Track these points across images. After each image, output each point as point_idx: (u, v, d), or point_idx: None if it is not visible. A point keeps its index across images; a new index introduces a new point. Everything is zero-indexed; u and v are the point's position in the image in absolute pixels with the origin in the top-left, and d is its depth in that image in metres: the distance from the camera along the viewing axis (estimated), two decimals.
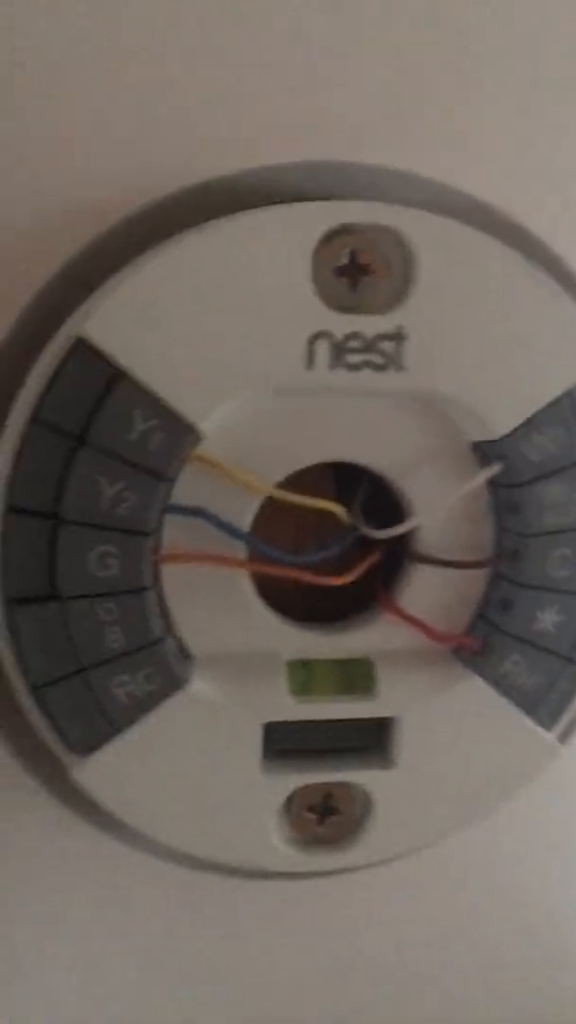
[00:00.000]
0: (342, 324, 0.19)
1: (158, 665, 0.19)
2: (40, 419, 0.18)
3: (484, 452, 0.20)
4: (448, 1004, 0.23)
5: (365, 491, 0.21)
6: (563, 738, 0.22)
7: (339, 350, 0.19)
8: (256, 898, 0.22)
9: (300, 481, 0.20)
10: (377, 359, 0.19)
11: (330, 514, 0.20)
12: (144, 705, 0.19)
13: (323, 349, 0.19)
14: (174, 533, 0.19)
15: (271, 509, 0.20)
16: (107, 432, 0.18)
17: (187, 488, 0.19)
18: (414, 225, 0.19)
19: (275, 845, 0.21)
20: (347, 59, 0.19)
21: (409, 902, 0.23)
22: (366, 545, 0.21)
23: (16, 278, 0.18)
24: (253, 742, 0.20)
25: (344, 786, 0.21)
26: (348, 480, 0.21)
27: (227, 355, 0.18)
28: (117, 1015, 0.21)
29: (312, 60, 0.19)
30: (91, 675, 0.19)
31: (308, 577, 0.20)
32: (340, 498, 0.21)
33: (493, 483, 0.20)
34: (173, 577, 0.20)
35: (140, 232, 0.19)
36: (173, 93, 0.18)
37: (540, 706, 0.21)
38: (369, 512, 0.21)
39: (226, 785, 0.20)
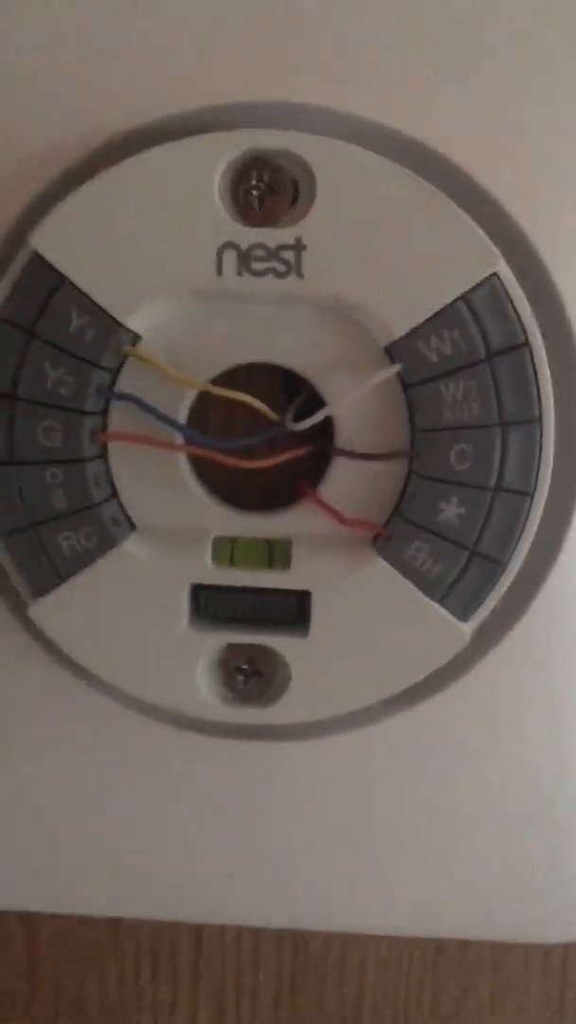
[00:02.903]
0: (248, 236, 0.22)
1: (95, 526, 0.23)
2: (3, 317, 0.22)
3: (391, 354, 0.22)
4: (365, 882, 0.26)
5: (300, 391, 0.24)
6: (482, 631, 0.24)
7: (245, 258, 0.22)
8: (187, 749, 0.25)
9: (254, 381, 0.24)
10: (279, 267, 0.22)
11: (259, 410, 0.23)
12: (84, 559, 0.23)
13: (230, 258, 0.22)
14: (127, 417, 0.23)
15: (228, 406, 0.24)
16: (51, 327, 0.22)
17: (138, 380, 0.23)
18: (311, 148, 0.21)
19: (203, 695, 0.24)
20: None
21: (338, 780, 0.25)
22: (301, 441, 0.24)
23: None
24: (181, 601, 0.23)
25: (266, 651, 0.24)
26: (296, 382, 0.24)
27: (148, 263, 0.22)
28: (36, 840, 0.25)
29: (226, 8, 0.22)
30: (41, 529, 0.23)
31: (228, 460, 0.23)
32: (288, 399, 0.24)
33: (403, 383, 0.23)
34: (119, 454, 0.23)
35: (90, 167, 0.22)
36: (106, 48, 0.22)
37: (450, 594, 0.23)
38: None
39: (159, 635, 0.23)
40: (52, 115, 0.23)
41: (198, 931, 0.28)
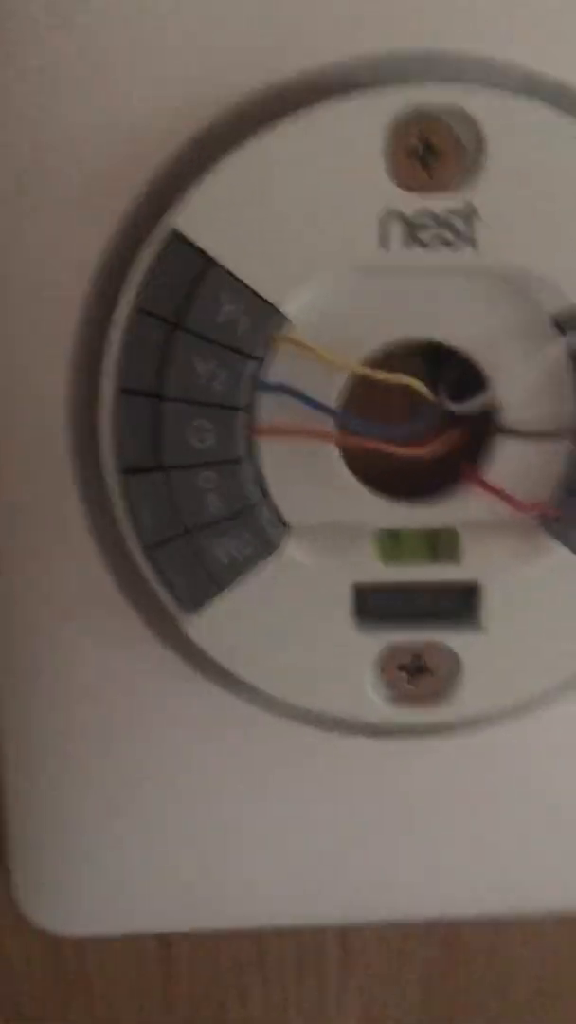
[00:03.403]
0: (413, 202, 0.20)
1: (253, 530, 0.21)
2: (142, 308, 0.20)
3: (562, 324, 0.21)
4: (530, 872, 0.25)
5: (452, 369, 0.22)
6: None
7: (411, 228, 0.20)
8: (353, 754, 0.23)
9: (393, 365, 0.22)
10: (449, 236, 0.20)
11: (419, 393, 0.21)
12: (243, 566, 0.21)
13: (396, 227, 0.20)
14: (273, 411, 0.21)
15: (369, 391, 0.22)
16: (199, 317, 0.20)
17: (283, 369, 0.21)
18: (481, 104, 0.19)
19: (370, 698, 0.22)
20: None
21: (506, 772, 0.24)
22: (456, 423, 0.22)
23: (118, 181, 0.20)
24: (344, 602, 0.22)
25: (434, 647, 0.22)
26: (440, 362, 0.22)
27: (304, 240, 0.20)
28: (201, 855, 0.24)
29: None
30: (194, 537, 0.21)
31: (391, 449, 0.21)
32: (434, 380, 0.22)
33: (573, 356, 0.21)
34: (270, 451, 0.21)
35: (228, 132, 0.20)
36: None
37: None
38: (462, 392, 0.22)
39: (322, 641, 0.22)
40: (180, 72, 0.20)
41: (343, 932, 0.27)
